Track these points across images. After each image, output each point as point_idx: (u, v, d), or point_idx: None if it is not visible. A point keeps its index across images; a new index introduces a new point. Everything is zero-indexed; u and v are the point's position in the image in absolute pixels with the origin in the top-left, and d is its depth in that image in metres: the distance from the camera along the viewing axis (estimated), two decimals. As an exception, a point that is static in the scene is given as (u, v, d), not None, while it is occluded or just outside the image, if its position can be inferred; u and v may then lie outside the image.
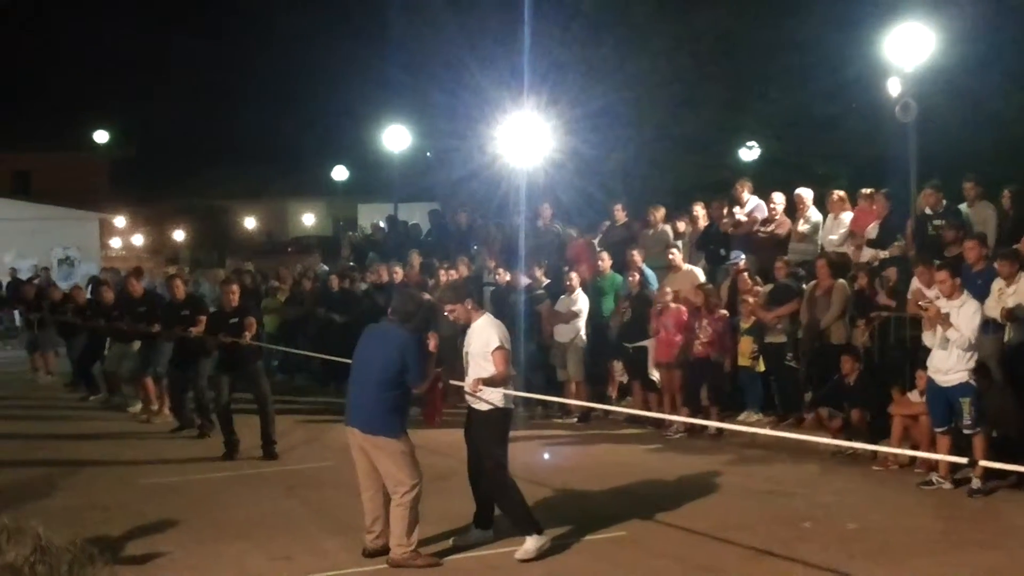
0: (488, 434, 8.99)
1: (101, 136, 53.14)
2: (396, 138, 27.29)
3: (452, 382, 10.16)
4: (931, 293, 11.45)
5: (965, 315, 10.60)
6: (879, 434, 12.10)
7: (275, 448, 13.35)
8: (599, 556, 8.84)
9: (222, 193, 62.19)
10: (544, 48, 26.20)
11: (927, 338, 10.99)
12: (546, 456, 13.07)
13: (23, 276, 28.76)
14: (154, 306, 16.43)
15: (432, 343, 9.03)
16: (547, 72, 25.84)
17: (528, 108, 22.02)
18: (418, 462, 8.68)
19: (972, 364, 10.68)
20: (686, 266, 15.82)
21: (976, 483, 10.61)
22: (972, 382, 10.66)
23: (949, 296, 10.76)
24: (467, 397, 9.15)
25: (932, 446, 11.16)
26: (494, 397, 8.91)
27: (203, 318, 14.58)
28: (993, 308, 11.64)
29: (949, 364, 10.67)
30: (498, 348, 8.90)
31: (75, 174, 48.61)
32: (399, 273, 18.50)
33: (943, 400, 10.81)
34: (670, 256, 15.86)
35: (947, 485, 10.84)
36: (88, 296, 20.05)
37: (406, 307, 8.91)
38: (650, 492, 11.12)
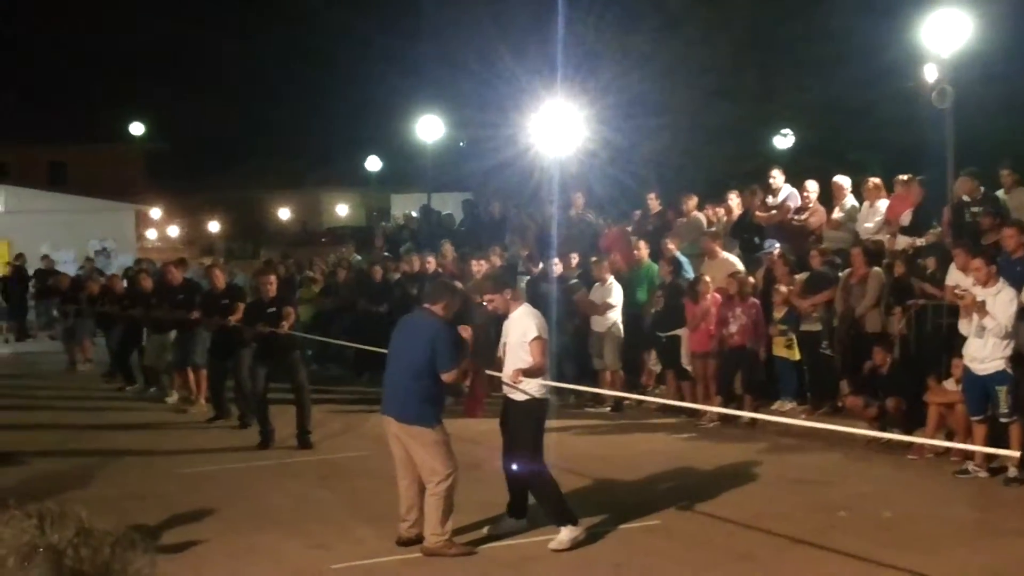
0: (525, 424, 9.00)
1: (137, 128, 53.53)
2: (429, 128, 27.33)
3: (489, 372, 10.17)
4: (967, 281, 11.38)
5: (1001, 303, 10.54)
6: (915, 422, 12.02)
7: (310, 438, 13.42)
8: (633, 545, 8.84)
9: (256, 184, 62.51)
10: (577, 37, 26.19)
11: (963, 326, 10.93)
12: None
13: (62, 268, 29.02)
14: (193, 294, 16.50)
15: (466, 334, 9.04)
16: (580, 61, 25.83)
17: (561, 97, 21.97)
18: (453, 452, 8.71)
19: (1009, 352, 10.62)
20: (724, 254, 15.75)
21: (1012, 472, 10.53)
22: (1009, 370, 10.60)
23: (985, 284, 10.71)
24: (504, 387, 9.17)
25: (968, 435, 11.11)
26: (531, 387, 8.92)
27: (241, 305, 14.67)
28: (1032, 296, 11.53)
29: (985, 352, 10.60)
30: (536, 338, 8.91)
31: (111, 166, 49.02)
32: (432, 263, 18.52)
33: (979, 388, 10.74)
34: (707, 244, 15.79)
35: (983, 474, 10.77)
36: (125, 286, 20.21)
37: (440, 293, 8.96)
38: (684, 481, 11.11)
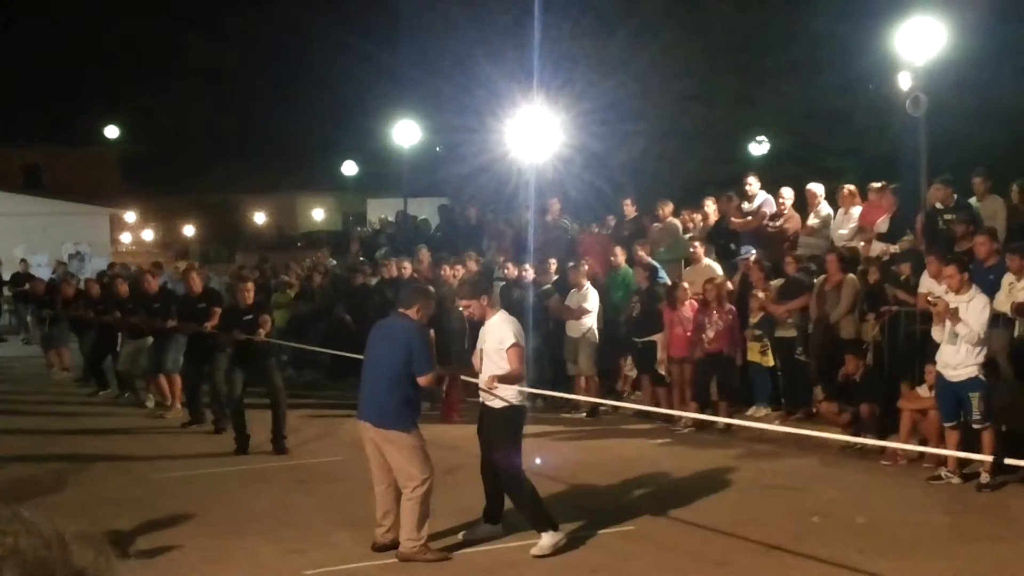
0: (502, 431, 9.01)
1: (111, 131, 53.34)
2: (406, 133, 27.30)
3: (464, 378, 10.18)
4: (940, 288, 11.47)
5: (974, 310, 10.61)
6: (888, 429, 12.10)
7: (285, 443, 13.40)
8: (609, 551, 8.87)
9: (232, 188, 62.36)
10: (554, 42, 26.22)
11: (936, 333, 11.01)
12: (538, 462, 12.81)
13: (36, 272, 28.86)
14: (169, 302, 16.42)
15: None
16: (557, 66, 25.86)
17: (537, 103, 22.01)
18: (429, 457, 8.71)
19: (981, 359, 10.69)
20: (706, 260, 15.79)
21: (985, 477, 10.61)
22: (982, 377, 10.67)
23: (957, 291, 10.78)
24: (481, 394, 9.19)
25: (941, 441, 11.19)
26: (508, 394, 8.95)
27: (218, 310, 14.68)
28: (1003, 302, 11.66)
29: (958, 359, 10.68)
30: (513, 345, 8.94)
31: (85, 169, 48.78)
32: (408, 268, 18.49)
33: (951, 395, 10.84)
34: (691, 249, 15.83)
35: (955, 480, 10.84)
36: (100, 291, 20.09)
37: (414, 297, 9.00)
38: (659, 487, 11.16)
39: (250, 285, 14.19)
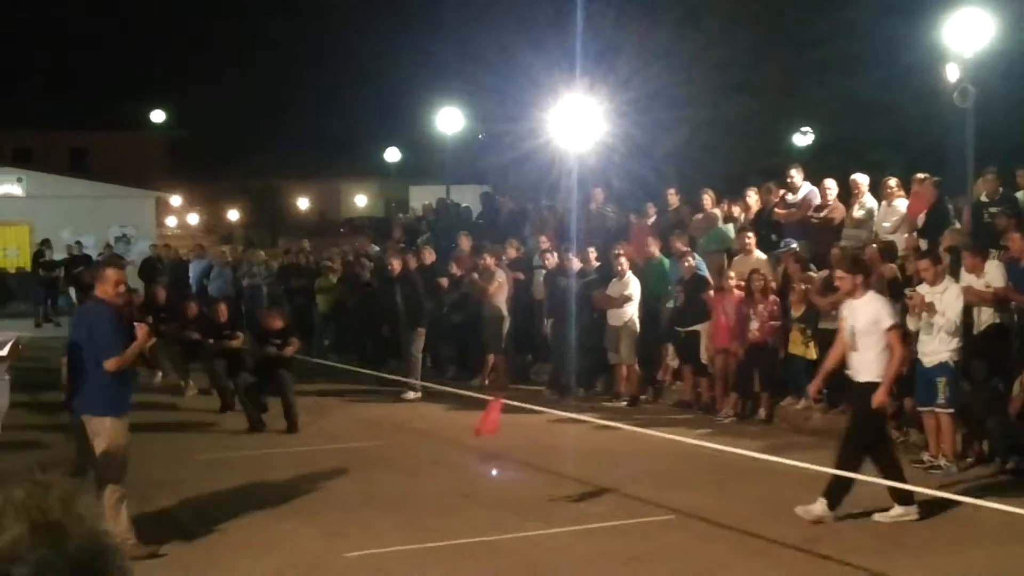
0: (866, 405, 9.28)
1: (158, 116, 53.75)
2: (449, 120, 27.36)
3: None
4: (980, 283, 11.76)
5: (948, 299, 11.13)
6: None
7: (297, 423, 13.81)
8: (648, 539, 8.89)
9: (276, 173, 62.63)
10: (597, 30, 26.18)
11: (911, 323, 11.48)
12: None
13: (88, 251, 29.13)
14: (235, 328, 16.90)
15: (141, 331, 8.50)
16: (600, 55, 25.83)
17: (580, 91, 21.99)
18: (121, 451, 8.47)
19: (954, 345, 11.15)
20: (757, 252, 15.67)
21: (943, 462, 11.10)
22: (951, 363, 11.12)
23: (932, 283, 11.26)
24: (851, 368, 9.51)
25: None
26: (876, 372, 9.24)
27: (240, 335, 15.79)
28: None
29: (933, 347, 11.17)
30: (892, 327, 9.29)
31: (132, 153, 49.18)
32: (415, 260, 18.19)
33: (926, 380, 11.28)
34: (746, 239, 15.74)
35: (945, 464, 11.08)
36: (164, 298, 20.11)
37: (93, 275, 9.06)
38: (699, 477, 11.14)
39: (277, 316, 15.11)
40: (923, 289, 11.31)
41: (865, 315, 9.37)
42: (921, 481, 10.06)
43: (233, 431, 13.89)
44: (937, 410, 11.21)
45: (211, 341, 15.78)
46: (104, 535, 1.34)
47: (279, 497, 10.31)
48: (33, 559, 1.19)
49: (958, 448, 11.48)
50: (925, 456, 11.32)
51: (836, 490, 9.16)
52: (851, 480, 9.16)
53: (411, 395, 16.35)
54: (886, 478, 9.25)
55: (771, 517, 9.40)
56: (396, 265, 17.40)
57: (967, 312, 12.21)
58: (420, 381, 16.42)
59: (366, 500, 10.21)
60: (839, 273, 10.03)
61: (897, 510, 9.25)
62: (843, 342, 9.70)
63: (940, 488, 9.73)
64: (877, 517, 9.23)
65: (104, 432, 8.31)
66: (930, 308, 11.08)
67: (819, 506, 9.16)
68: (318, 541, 8.84)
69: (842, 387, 13.87)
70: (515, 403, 13.05)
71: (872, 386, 9.24)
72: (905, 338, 10.03)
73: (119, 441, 8.40)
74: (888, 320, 9.31)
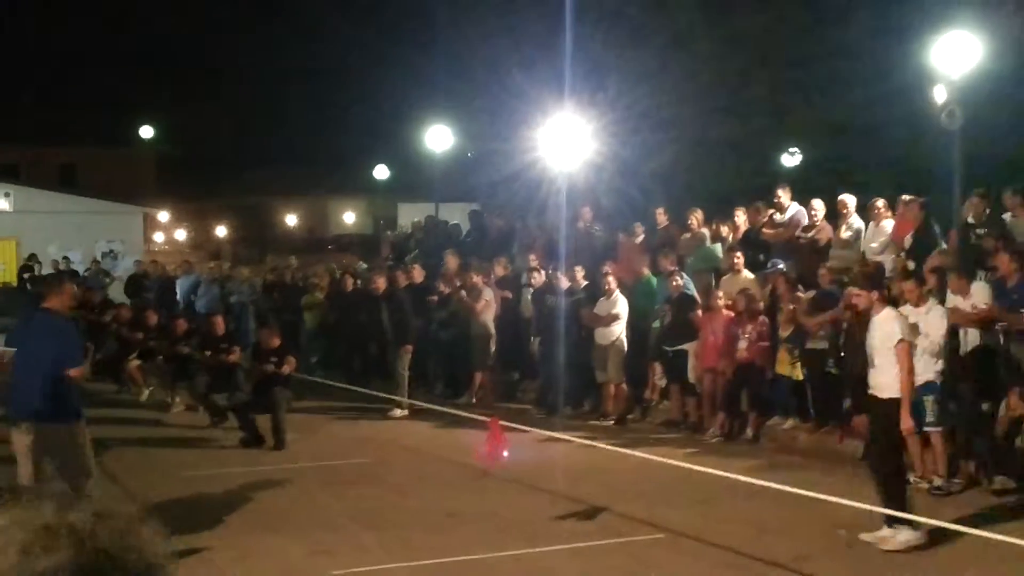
0: (889, 422, 9.23)
1: (147, 132, 53.72)
2: (438, 138, 27.36)
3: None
4: (966, 303, 11.87)
5: (932, 321, 11.30)
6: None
7: (285, 441, 13.83)
8: (637, 558, 8.89)
9: (264, 190, 62.66)
10: (586, 50, 26.25)
11: None
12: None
13: (75, 267, 29.06)
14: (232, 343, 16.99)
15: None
16: (589, 74, 25.88)
17: (569, 110, 22.04)
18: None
19: (939, 367, 11.32)
20: (745, 271, 15.70)
21: (938, 481, 11.13)
22: (937, 382, 11.27)
23: (916, 304, 11.39)
24: (871, 383, 9.48)
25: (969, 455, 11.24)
26: (895, 387, 9.21)
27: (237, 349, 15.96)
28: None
29: (918, 368, 10.94)
30: (900, 341, 9.22)
31: (120, 169, 49.19)
32: (404, 278, 18.41)
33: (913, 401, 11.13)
34: (735, 259, 15.79)
35: (923, 485, 11.09)
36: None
37: (49, 289, 9.33)
38: (687, 496, 11.14)
39: (274, 334, 15.11)
40: (907, 310, 11.30)
41: (882, 331, 9.37)
42: (927, 503, 10.08)
43: (220, 448, 13.85)
44: (928, 429, 11.24)
45: (207, 354, 15.84)
46: (161, 571, 1.33)
47: (265, 514, 10.28)
48: None
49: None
50: (912, 478, 11.16)
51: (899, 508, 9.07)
52: (905, 492, 9.20)
53: (398, 412, 16.34)
54: (885, 497, 9.19)
55: (759, 536, 9.41)
56: (381, 283, 17.45)
57: (954, 333, 12.32)
58: (407, 399, 16.43)
59: (353, 518, 10.19)
60: (854, 291, 10.04)
61: (885, 531, 9.20)
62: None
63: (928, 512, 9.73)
64: (864, 536, 9.20)
65: (79, 435, 8.69)
66: (914, 329, 11.05)
67: (904, 533, 9.03)
68: (304, 559, 8.81)
69: (831, 406, 13.95)
70: (503, 422, 13.02)
71: (894, 402, 9.20)
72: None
73: (87, 442, 8.81)
74: (897, 335, 9.30)
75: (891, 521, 9.16)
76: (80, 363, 8.58)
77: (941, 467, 11.26)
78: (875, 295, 9.55)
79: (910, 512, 9.07)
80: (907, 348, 9.30)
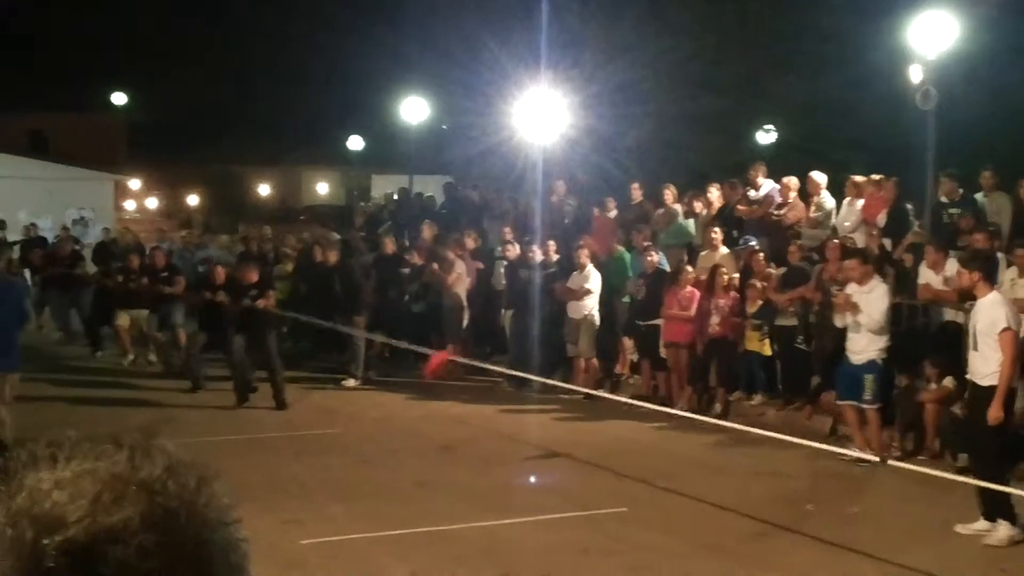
0: (985, 410, 8.88)
1: (119, 98, 53.16)
2: (413, 110, 27.24)
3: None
4: (938, 279, 12.07)
5: (874, 300, 11.33)
6: (888, 420, 12.10)
7: (285, 401, 14.20)
8: (602, 531, 8.90)
9: (237, 159, 62.16)
10: (562, 23, 26.16)
11: (837, 320, 11.79)
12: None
13: (44, 234, 28.78)
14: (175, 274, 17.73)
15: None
16: (565, 48, 25.79)
17: (545, 84, 21.95)
18: None
19: (882, 344, 11.33)
20: (723, 248, 15.68)
21: (870, 455, 11.12)
22: (878, 360, 11.34)
23: (860, 283, 11.44)
24: (971, 370, 9.18)
25: (936, 432, 11.31)
26: (996, 376, 8.85)
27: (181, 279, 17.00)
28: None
29: (861, 345, 11.36)
30: (1005, 329, 8.83)
31: (91, 135, 48.65)
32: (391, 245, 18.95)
33: (852, 377, 11.47)
34: (712, 235, 15.77)
35: (872, 457, 11.14)
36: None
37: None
38: (654, 470, 11.16)
39: (254, 268, 15.38)
40: (851, 289, 11.51)
41: (988, 317, 8.99)
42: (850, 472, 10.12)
43: (188, 416, 13.78)
44: (864, 406, 11.40)
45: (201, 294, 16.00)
46: (227, 530, 1.30)
47: (234, 484, 9.95)
48: (138, 544, 1.14)
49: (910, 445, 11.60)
50: (853, 450, 11.46)
51: (998, 505, 8.75)
52: (1007, 484, 8.88)
53: (351, 382, 16.38)
54: (982, 489, 8.87)
55: (723, 510, 9.43)
56: (332, 256, 17.53)
57: (927, 311, 12.41)
58: (362, 368, 16.62)
59: (322, 488, 10.16)
60: (958, 268, 9.77)
61: (981, 524, 8.87)
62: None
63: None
64: (959, 528, 8.91)
65: (14, 385, 10.38)
66: (855, 307, 11.32)
67: (1002, 529, 8.72)
68: (274, 528, 8.77)
69: (800, 382, 14.00)
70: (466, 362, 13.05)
71: (993, 391, 8.85)
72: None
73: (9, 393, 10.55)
74: (1003, 323, 8.89)
75: (991, 515, 8.80)
76: (26, 319, 9.90)
77: (876, 442, 11.36)
78: (976, 276, 9.24)
79: (1011, 509, 8.72)
80: (1013, 337, 8.86)
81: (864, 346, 11.34)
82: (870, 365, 11.34)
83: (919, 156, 15.00)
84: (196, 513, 1.22)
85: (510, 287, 17.15)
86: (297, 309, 20.00)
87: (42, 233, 29.06)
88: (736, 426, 11.92)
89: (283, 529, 8.73)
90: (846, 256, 12.30)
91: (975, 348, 9.14)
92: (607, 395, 14.71)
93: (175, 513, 1.19)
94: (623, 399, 14.07)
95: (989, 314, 8.98)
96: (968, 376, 9.35)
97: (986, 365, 8.96)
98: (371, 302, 17.63)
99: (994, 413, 8.73)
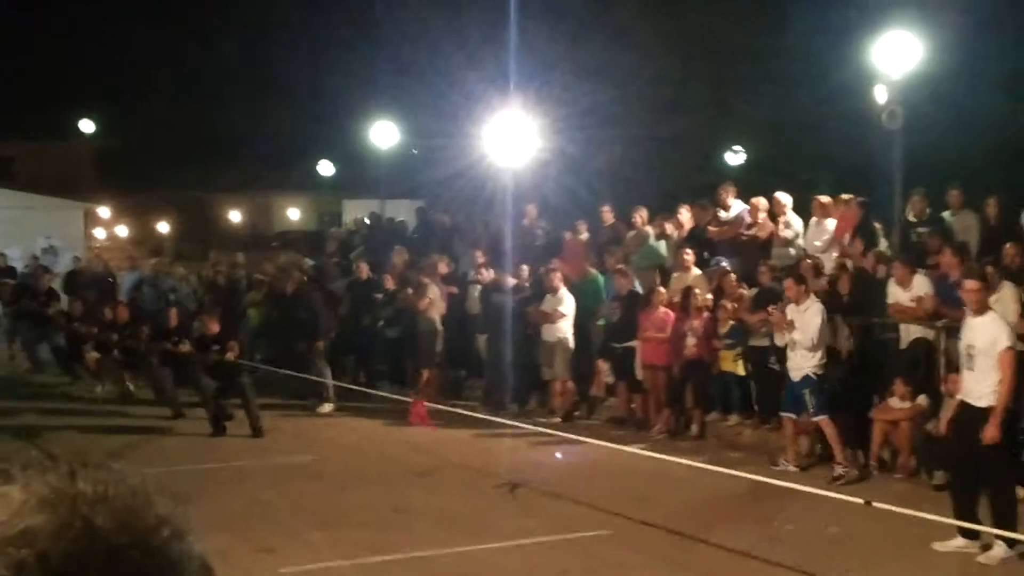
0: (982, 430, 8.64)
1: (87, 125, 52.91)
2: (383, 134, 27.27)
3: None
4: (906, 296, 12.19)
5: (808, 319, 11.77)
6: (862, 438, 12.18)
7: (261, 429, 14.27)
8: (581, 554, 8.91)
9: (207, 186, 61.94)
10: (531, 47, 26.28)
11: (777, 338, 12.54)
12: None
13: (14, 263, 28.56)
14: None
15: None
16: (534, 71, 25.91)
17: (515, 107, 22.03)
18: None
19: (816, 360, 11.78)
20: (695, 269, 15.73)
21: (838, 470, 11.58)
22: (812, 375, 11.74)
23: (797, 301, 11.96)
24: (964, 391, 8.94)
25: (912, 451, 11.40)
26: (993, 396, 8.63)
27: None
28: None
29: (797, 362, 11.87)
30: (1007, 348, 8.63)
31: (60, 163, 48.34)
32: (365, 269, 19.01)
33: (793, 393, 11.97)
34: (684, 256, 15.82)
35: (792, 468, 11.88)
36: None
37: None
38: (632, 492, 11.19)
39: (215, 320, 15.31)
40: (790, 308, 11.98)
41: (988, 334, 8.73)
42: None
43: (166, 443, 13.73)
44: (815, 419, 11.86)
45: (165, 344, 16.10)
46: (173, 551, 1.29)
47: (210, 512, 10.17)
48: (40, 549, 1.16)
49: (887, 457, 11.69)
50: (780, 461, 12.12)
51: (1006, 521, 8.55)
52: (1015, 507, 8.80)
53: (326, 407, 16.36)
54: (994, 512, 8.73)
55: (704, 531, 9.46)
56: (291, 286, 17.71)
57: (894, 328, 12.54)
58: (332, 393, 16.67)
59: (299, 515, 10.13)
60: (978, 285, 9.03)
61: (959, 541, 8.82)
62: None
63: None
64: (937, 546, 8.88)
65: None
66: (790, 325, 11.83)
67: (998, 549, 8.63)
68: (251, 557, 8.74)
69: (774, 402, 14.06)
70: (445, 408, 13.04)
71: (990, 412, 8.61)
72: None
73: None
74: (1005, 341, 8.68)
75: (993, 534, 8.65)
76: None
77: (837, 453, 11.72)
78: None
79: (1016, 527, 8.54)
80: (1014, 357, 8.66)
81: (799, 363, 11.83)
82: (805, 380, 11.78)
83: (886, 175, 15.14)
84: (130, 532, 1.22)
85: (484, 311, 17.18)
86: (269, 336, 20.02)
87: (12, 263, 28.86)
88: (715, 469, 11.97)
89: (260, 558, 8.71)
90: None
91: (970, 368, 8.85)
92: (582, 419, 14.76)
93: (97, 528, 1.19)
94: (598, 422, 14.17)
95: (990, 332, 8.72)
96: (961, 397, 9.10)
97: (982, 387, 8.72)
98: (334, 328, 17.65)
99: (990, 434, 8.50)
